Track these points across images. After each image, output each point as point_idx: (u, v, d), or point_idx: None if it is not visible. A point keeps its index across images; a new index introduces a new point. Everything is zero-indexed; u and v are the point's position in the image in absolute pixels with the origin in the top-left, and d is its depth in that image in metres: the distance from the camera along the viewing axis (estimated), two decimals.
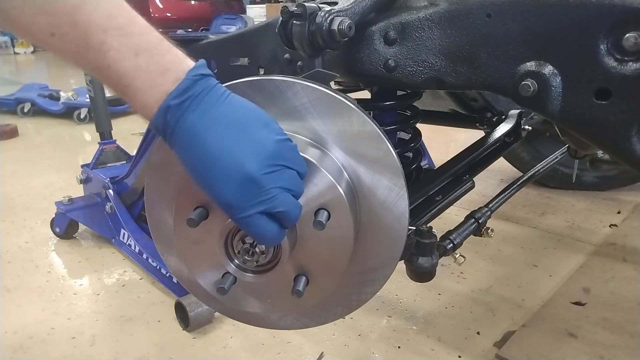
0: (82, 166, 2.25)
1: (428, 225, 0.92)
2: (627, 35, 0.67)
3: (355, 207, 0.68)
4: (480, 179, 1.20)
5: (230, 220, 0.66)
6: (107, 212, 2.04)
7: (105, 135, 2.28)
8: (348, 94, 0.72)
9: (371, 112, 1.07)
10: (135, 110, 0.59)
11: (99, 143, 2.26)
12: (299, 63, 1.03)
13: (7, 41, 10.80)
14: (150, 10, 9.14)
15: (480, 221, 1.12)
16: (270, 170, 0.57)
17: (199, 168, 0.57)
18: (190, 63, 0.59)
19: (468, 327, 1.54)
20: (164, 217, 0.77)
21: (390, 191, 0.69)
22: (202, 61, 0.60)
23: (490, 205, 1.19)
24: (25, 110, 4.62)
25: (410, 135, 1.20)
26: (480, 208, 1.16)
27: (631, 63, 0.68)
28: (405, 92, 1.15)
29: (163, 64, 0.58)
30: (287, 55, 1.05)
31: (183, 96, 0.57)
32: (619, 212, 2.34)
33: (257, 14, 8.69)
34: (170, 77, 0.57)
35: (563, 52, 0.73)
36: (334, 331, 1.51)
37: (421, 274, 0.91)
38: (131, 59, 0.56)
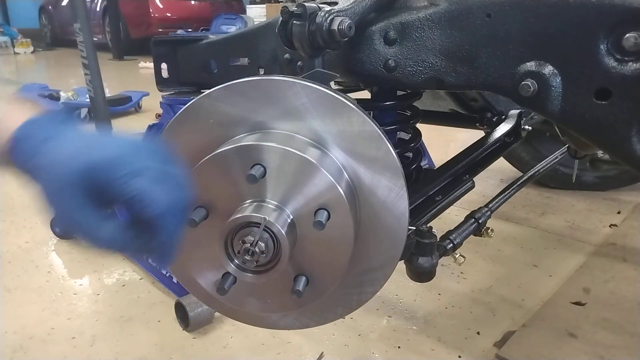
0: None
1: (428, 225, 0.92)
2: (627, 35, 0.67)
3: (355, 207, 0.68)
4: (480, 179, 1.20)
5: (230, 220, 0.66)
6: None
7: None
8: (348, 94, 0.72)
9: (371, 112, 1.07)
10: None
11: None
12: (299, 63, 1.03)
13: (7, 41, 10.79)
14: (150, 10, 9.15)
15: (480, 221, 1.12)
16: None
17: (75, 145, 0.55)
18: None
19: (468, 327, 1.54)
20: None
21: (390, 191, 0.69)
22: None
23: (490, 205, 1.19)
24: None
25: (410, 135, 1.20)
26: (480, 208, 1.16)
27: (631, 63, 0.68)
28: (405, 92, 1.15)
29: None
30: (287, 55, 1.05)
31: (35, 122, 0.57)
32: (619, 212, 2.34)
33: (257, 14, 8.69)
34: (16, 117, 0.57)
35: (563, 52, 0.73)
36: (334, 331, 1.51)
37: (421, 274, 0.91)
38: None
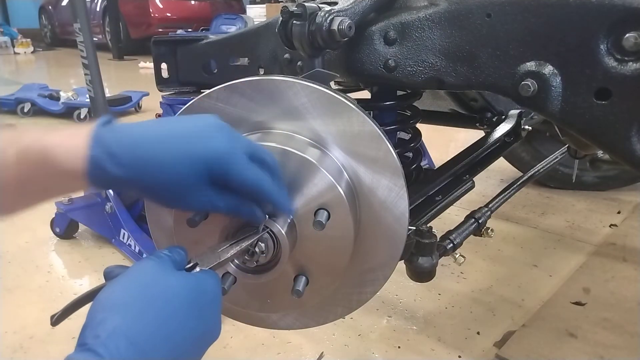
0: None
1: (428, 225, 0.92)
2: (627, 35, 0.67)
3: (355, 207, 0.68)
4: (480, 179, 1.20)
5: (230, 220, 0.66)
6: (107, 212, 2.04)
7: None
8: (348, 94, 0.72)
9: (371, 112, 1.07)
10: (62, 173, 0.55)
11: None
12: (299, 63, 1.03)
13: (7, 41, 10.79)
14: (150, 10, 9.14)
15: (480, 221, 1.12)
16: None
17: (176, 138, 0.57)
18: None
19: (468, 327, 1.54)
20: (164, 217, 0.77)
21: (390, 191, 0.69)
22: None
23: (490, 205, 1.19)
24: (25, 110, 4.62)
25: (410, 135, 1.20)
26: (480, 208, 1.16)
27: (631, 63, 0.68)
28: (405, 92, 1.15)
29: (74, 128, 0.58)
30: (287, 55, 1.05)
31: (111, 123, 0.58)
32: (619, 212, 2.34)
33: (257, 14, 8.69)
34: (85, 128, 0.57)
35: (563, 52, 0.73)
36: (334, 331, 1.51)
37: (421, 274, 0.91)
38: (45, 131, 0.57)
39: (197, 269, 0.58)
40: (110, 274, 0.57)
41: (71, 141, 0.55)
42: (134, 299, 0.49)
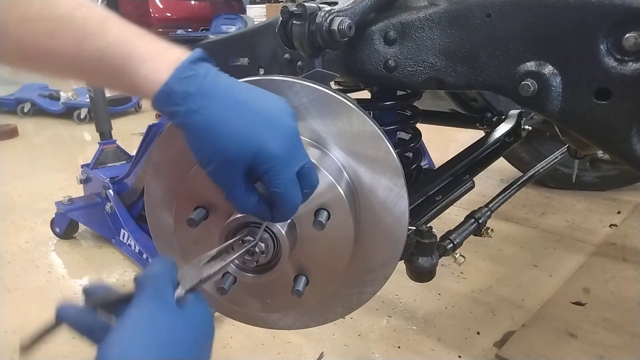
0: (82, 166, 2.25)
1: (428, 225, 0.92)
2: (627, 35, 0.67)
3: (355, 207, 0.68)
4: (480, 179, 1.20)
5: (230, 220, 0.66)
6: (107, 212, 2.04)
7: (105, 135, 2.28)
8: (348, 94, 0.72)
9: (371, 112, 1.07)
10: (135, 84, 0.56)
11: (99, 143, 2.26)
12: (299, 63, 1.03)
13: None
14: (150, 10, 9.14)
15: (480, 221, 1.12)
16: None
17: (248, 115, 0.57)
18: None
19: (468, 327, 1.54)
20: (164, 217, 0.77)
21: (390, 191, 0.69)
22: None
23: (490, 205, 1.19)
24: (25, 110, 4.63)
25: (410, 135, 1.20)
26: (480, 208, 1.16)
27: (631, 63, 0.68)
28: (405, 92, 1.15)
29: (166, 44, 0.58)
30: (287, 55, 1.05)
31: (201, 61, 0.57)
32: (619, 212, 2.34)
33: (257, 14, 8.69)
34: (177, 50, 0.57)
35: (563, 52, 0.73)
36: (334, 331, 1.51)
37: (421, 274, 0.91)
38: (133, 35, 0.57)
39: (179, 288, 0.54)
40: (88, 292, 0.57)
41: (156, 63, 0.56)
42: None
